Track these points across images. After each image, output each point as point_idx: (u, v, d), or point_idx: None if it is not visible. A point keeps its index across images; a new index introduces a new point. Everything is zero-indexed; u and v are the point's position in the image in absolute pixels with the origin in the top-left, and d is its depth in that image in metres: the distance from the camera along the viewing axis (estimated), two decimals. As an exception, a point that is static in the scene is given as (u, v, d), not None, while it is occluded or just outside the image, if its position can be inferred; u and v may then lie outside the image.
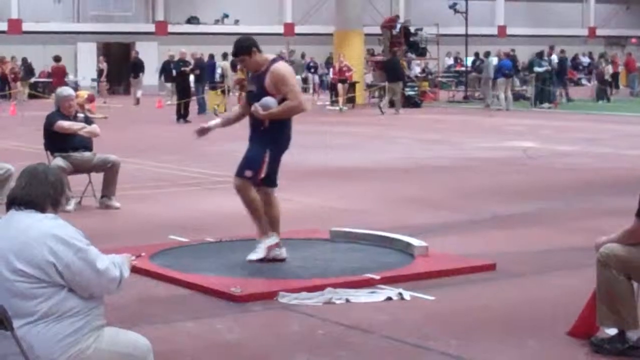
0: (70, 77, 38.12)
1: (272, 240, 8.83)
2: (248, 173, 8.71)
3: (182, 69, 30.37)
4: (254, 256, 8.75)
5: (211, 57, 35.99)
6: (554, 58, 36.51)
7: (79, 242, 4.51)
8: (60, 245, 4.45)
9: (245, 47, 8.73)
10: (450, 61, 50.90)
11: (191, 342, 6.61)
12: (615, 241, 6.13)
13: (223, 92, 33.17)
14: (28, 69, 40.47)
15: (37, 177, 4.63)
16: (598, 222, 10.60)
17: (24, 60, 40.90)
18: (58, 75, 35.11)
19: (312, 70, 44.85)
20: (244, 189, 8.71)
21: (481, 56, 37.90)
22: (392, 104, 32.84)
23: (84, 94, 31.71)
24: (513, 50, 36.20)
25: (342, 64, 34.19)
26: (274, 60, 8.77)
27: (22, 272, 4.42)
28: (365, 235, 9.76)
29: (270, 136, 8.76)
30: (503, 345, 6.48)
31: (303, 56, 36.39)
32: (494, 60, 35.94)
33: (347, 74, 34.04)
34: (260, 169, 8.72)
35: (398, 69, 33.80)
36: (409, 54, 37.31)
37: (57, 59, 35.28)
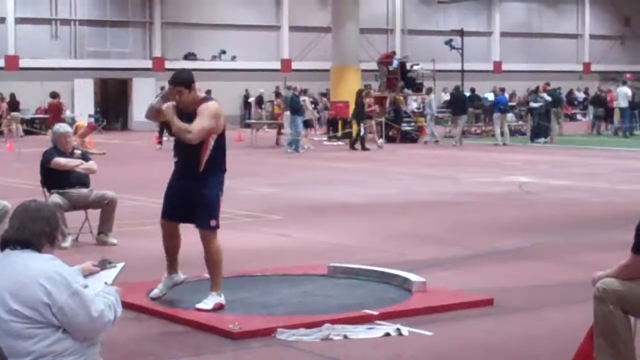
0: (67, 113, 38.13)
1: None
2: (213, 222, 8.60)
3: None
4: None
5: (208, 92, 36.03)
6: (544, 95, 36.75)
7: (74, 284, 4.48)
8: (55, 287, 4.43)
9: (187, 79, 8.45)
10: (447, 97, 51.04)
11: (189, 379, 6.58)
12: (612, 276, 6.13)
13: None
14: (12, 104, 40.38)
15: (30, 215, 4.61)
16: (595, 256, 10.60)
17: (12, 95, 40.86)
18: (54, 111, 35.11)
19: (312, 106, 44.94)
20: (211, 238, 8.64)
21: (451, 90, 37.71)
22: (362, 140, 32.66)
23: (83, 123, 31.86)
24: (458, 86, 36.60)
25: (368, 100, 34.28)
26: (205, 99, 8.59)
27: (18, 313, 4.41)
28: (363, 271, 9.75)
29: (215, 177, 8.63)
30: (502, 381, 6.47)
31: (305, 91, 36.34)
32: (491, 96, 36.09)
33: (371, 109, 34.04)
34: (218, 214, 8.60)
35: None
36: (406, 90, 37.42)
37: (53, 95, 35.30)
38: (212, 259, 8.66)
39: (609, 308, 6.05)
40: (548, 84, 38.39)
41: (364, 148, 31.82)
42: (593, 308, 6.18)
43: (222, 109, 8.60)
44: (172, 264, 8.88)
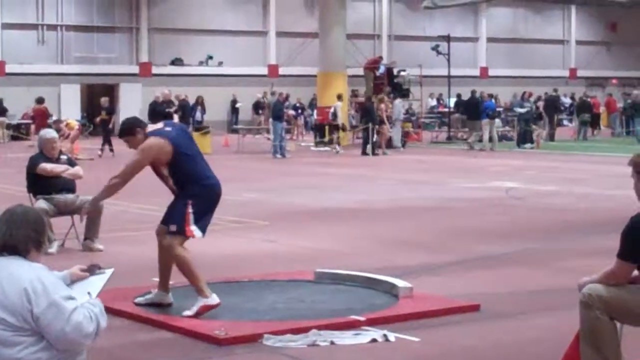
0: (54, 119, 38.02)
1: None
2: (172, 227, 8.64)
3: (167, 110, 30.39)
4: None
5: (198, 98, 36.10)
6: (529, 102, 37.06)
7: (55, 294, 4.45)
8: (36, 296, 4.42)
9: (127, 129, 8.96)
10: (433, 102, 51.16)
11: (175, 386, 6.57)
12: (597, 282, 6.15)
13: (205, 133, 33.25)
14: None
15: (16, 220, 4.60)
16: (582, 262, 10.63)
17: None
18: (40, 117, 34.93)
19: (299, 111, 44.95)
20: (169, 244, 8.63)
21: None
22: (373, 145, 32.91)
23: (74, 123, 31.79)
24: (474, 90, 36.76)
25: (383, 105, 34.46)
26: (149, 134, 8.86)
27: (3, 320, 4.40)
28: (350, 277, 9.75)
29: (188, 190, 8.80)
30: (488, 387, 6.47)
31: (287, 97, 36.50)
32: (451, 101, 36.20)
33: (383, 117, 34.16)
34: (183, 222, 8.60)
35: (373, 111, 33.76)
36: (392, 95, 37.47)
37: (39, 100, 35.16)
38: (176, 264, 8.69)
39: (595, 314, 6.06)
40: (530, 94, 38.67)
41: (374, 153, 31.94)
42: (579, 314, 6.20)
43: (158, 142, 8.81)
44: (162, 280, 8.82)
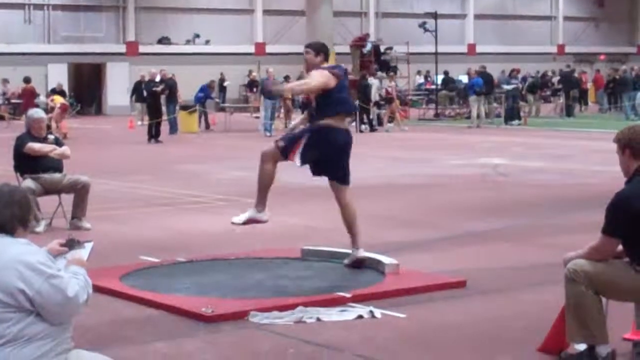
0: (41, 98, 37.90)
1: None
2: (280, 142, 9.38)
3: (154, 89, 30.30)
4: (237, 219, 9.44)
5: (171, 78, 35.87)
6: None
7: (48, 268, 4.48)
8: (31, 272, 4.43)
9: (321, 46, 9.68)
10: (421, 79, 51.11)
11: (162, 363, 6.59)
12: (582, 257, 6.17)
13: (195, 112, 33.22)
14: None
15: (2, 199, 4.60)
16: (568, 238, 10.64)
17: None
18: (28, 96, 34.89)
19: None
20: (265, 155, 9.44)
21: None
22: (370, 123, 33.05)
23: (59, 99, 31.72)
24: (484, 67, 36.52)
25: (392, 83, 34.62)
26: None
27: (-8, 297, 4.41)
28: (336, 254, 9.77)
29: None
30: (474, 362, 6.50)
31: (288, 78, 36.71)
32: (465, 78, 36.24)
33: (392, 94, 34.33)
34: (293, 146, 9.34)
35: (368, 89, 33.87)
36: (380, 73, 37.44)
37: (26, 80, 35.10)
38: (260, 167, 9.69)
39: (580, 289, 6.09)
40: (518, 70, 38.66)
41: (372, 129, 32.26)
42: (564, 289, 6.23)
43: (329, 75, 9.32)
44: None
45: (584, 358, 6.20)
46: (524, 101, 38.01)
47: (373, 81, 34.36)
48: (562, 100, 39.71)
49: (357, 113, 33.81)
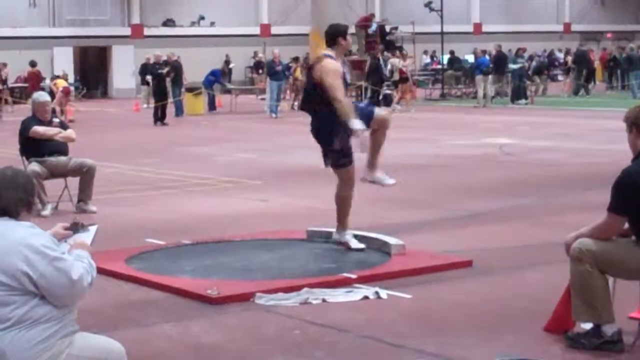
0: (47, 82, 37.88)
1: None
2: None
3: (159, 71, 30.27)
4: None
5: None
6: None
7: (53, 251, 4.48)
8: (35, 255, 4.42)
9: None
10: (427, 59, 50.97)
11: (167, 345, 6.59)
12: (587, 236, 6.15)
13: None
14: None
15: (6, 182, 4.59)
16: (574, 217, 10.61)
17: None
18: (33, 80, 34.88)
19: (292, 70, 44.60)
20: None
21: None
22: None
23: (62, 82, 31.73)
24: (499, 45, 36.55)
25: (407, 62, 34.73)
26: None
27: (-3, 280, 4.41)
28: (342, 235, 9.74)
29: None
30: (480, 341, 6.49)
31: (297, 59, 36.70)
32: (471, 58, 36.17)
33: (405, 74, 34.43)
34: None
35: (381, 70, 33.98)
36: (385, 53, 37.33)
37: (32, 64, 35.08)
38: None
39: (585, 268, 6.08)
40: (524, 49, 38.51)
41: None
42: (570, 268, 6.22)
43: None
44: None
45: (590, 337, 6.19)
46: (530, 80, 37.88)
47: (394, 60, 34.46)
48: (568, 79, 39.60)
49: (367, 93, 33.96)
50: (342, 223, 9.38)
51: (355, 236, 9.47)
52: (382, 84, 33.14)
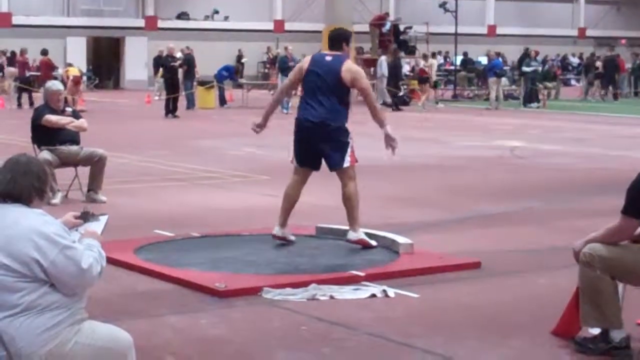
0: (60, 71, 37.92)
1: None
2: None
3: (171, 64, 30.29)
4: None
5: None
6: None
7: (63, 239, 4.48)
8: (46, 242, 4.43)
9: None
10: (440, 60, 50.92)
11: (174, 337, 6.59)
12: (598, 240, 6.12)
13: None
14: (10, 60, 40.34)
15: (20, 169, 4.60)
16: (583, 222, 10.60)
17: (12, 53, 40.78)
18: (45, 68, 34.80)
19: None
20: None
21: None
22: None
23: (73, 70, 31.76)
24: (527, 48, 36.70)
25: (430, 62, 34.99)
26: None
27: (6, 267, 4.41)
28: (351, 232, 9.73)
29: None
30: (487, 344, 6.48)
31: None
32: (484, 60, 36.17)
33: (427, 74, 34.74)
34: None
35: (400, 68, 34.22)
36: (400, 53, 37.38)
37: (44, 52, 34.99)
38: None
39: (595, 273, 6.06)
40: (537, 52, 38.46)
41: (398, 108, 32.37)
42: (579, 273, 6.19)
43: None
44: None
45: (597, 342, 6.17)
46: (547, 83, 37.86)
47: (430, 61, 35.03)
48: (584, 84, 39.54)
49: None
50: (357, 221, 9.33)
51: (366, 234, 9.48)
52: (400, 84, 33.29)
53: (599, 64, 39.99)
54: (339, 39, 9.51)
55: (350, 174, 9.41)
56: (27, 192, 4.57)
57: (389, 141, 9.41)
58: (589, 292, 6.13)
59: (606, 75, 39.37)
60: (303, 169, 9.46)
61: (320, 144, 9.26)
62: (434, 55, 40.32)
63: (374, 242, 9.25)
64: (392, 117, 29.62)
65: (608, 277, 6.07)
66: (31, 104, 30.37)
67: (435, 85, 37.97)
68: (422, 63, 35.01)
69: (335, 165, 9.33)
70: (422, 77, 34.48)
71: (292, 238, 9.40)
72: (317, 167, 9.50)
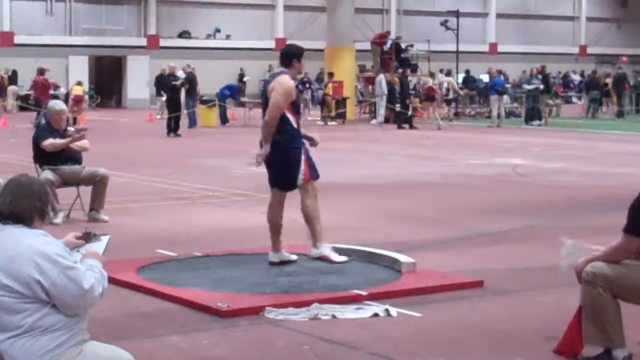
0: (62, 90, 37.96)
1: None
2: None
3: (173, 83, 30.31)
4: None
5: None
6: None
7: (65, 260, 4.48)
8: (47, 263, 4.43)
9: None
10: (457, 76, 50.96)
11: (176, 357, 6.58)
12: (600, 259, 6.12)
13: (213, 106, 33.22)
14: (11, 79, 40.46)
15: (21, 190, 4.60)
16: (586, 239, 10.57)
17: (13, 72, 40.88)
18: (40, 87, 33.98)
19: (306, 85, 44.52)
20: None
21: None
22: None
23: (78, 89, 31.73)
24: (544, 66, 36.80)
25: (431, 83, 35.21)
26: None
27: (8, 288, 4.41)
28: (352, 251, 9.74)
29: None
30: (489, 363, 6.47)
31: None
32: (486, 77, 36.25)
33: (435, 92, 34.87)
34: None
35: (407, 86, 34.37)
36: (400, 70, 37.40)
37: (40, 71, 34.48)
38: None
39: (598, 292, 6.05)
40: (538, 70, 38.50)
41: (411, 127, 32.60)
42: (581, 292, 6.18)
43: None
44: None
45: (600, 361, 6.16)
46: (549, 101, 37.91)
47: (441, 79, 35.22)
48: (585, 101, 39.58)
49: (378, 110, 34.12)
50: (318, 237, 9.38)
51: (364, 252, 9.47)
52: (407, 103, 33.40)
53: (609, 80, 40.17)
54: (288, 55, 9.42)
55: (307, 188, 9.41)
56: (28, 212, 4.58)
57: (258, 156, 9.29)
58: (591, 310, 6.12)
59: (616, 93, 39.59)
60: (282, 191, 9.44)
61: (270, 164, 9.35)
62: (449, 72, 40.41)
63: (337, 258, 9.28)
64: (396, 135, 29.68)
65: (610, 296, 6.06)
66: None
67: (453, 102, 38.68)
68: (430, 81, 35.09)
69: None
70: (429, 95, 34.53)
71: (293, 257, 9.38)
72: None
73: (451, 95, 38.11)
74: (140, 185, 16.37)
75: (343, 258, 9.32)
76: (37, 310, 4.42)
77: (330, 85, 35.79)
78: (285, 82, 9.23)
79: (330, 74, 35.77)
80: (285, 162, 9.28)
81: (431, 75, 35.82)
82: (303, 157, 9.33)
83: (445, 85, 37.40)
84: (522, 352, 6.65)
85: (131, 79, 47.17)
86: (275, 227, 9.41)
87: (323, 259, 9.29)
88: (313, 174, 9.48)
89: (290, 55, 9.40)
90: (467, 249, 10.66)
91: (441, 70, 40.80)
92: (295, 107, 9.37)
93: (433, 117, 34.14)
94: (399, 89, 34.03)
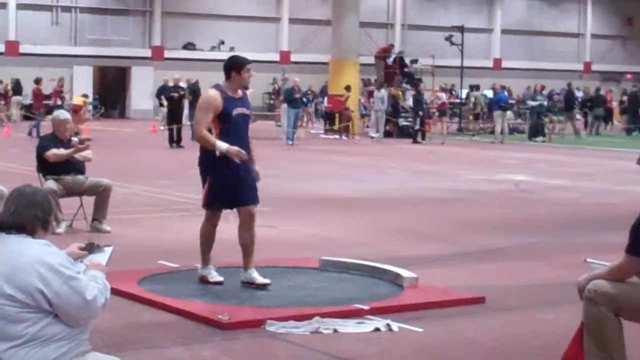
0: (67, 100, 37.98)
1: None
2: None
3: (171, 94, 30.20)
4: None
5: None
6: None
7: (68, 270, 4.49)
8: (50, 273, 4.44)
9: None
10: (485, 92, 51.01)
11: (177, 369, 6.58)
12: (603, 277, 6.11)
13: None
14: (15, 89, 40.48)
15: (24, 199, 4.62)
16: (588, 257, 10.56)
17: (17, 81, 40.87)
18: (36, 97, 33.85)
19: (310, 98, 44.61)
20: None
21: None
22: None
23: (77, 99, 31.75)
24: (570, 83, 37.05)
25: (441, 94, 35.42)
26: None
27: (11, 297, 4.41)
28: (354, 265, 9.73)
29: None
30: (490, 379, 6.46)
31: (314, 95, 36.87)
32: (490, 93, 36.31)
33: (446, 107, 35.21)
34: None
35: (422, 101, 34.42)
36: (404, 85, 37.46)
37: (36, 81, 34.38)
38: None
39: (600, 310, 6.03)
40: (543, 86, 38.53)
41: (415, 141, 32.66)
42: (583, 309, 6.17)
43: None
44: None
45: (601, 379, 6.13)
46: (558, 117, 38.06)
47: (441, 94, 35.55)
48: (590, 119, 39.63)
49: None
50: (247, 262, 9.03)
51: (366, 266, 9.44)
52: (422, 114, 33.49)
53: (624, 98, 40.64)
54: (227, 66, 9.02)
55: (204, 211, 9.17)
56: (32, 222, 4.59)
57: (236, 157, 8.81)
58: (592, 329, 6.10)
59: (630, 110, 39.81)
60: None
61: None
62: (477, 87, 40.75)
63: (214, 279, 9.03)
64: (400, 150, 29.69)
65: (612, 314, 6.04)
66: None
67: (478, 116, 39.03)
68: (444, 97, 35.29)
69: None
70: (442, 111, 34.68)
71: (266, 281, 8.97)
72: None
73: (479, 110, 38.37)
74: (143, 196, 16.37)
75: (219, 278, 8.99)
76: (39, 320, 4.43)
77: (350, 98, 35.57)
78: (204, 95, 9.06)
79: (348, 87, 35.52)
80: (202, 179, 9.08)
81: (443, 91, 35.97)
82: (210, 179, 8.97)
83: (472, 99, 37.47)
84: (523, 369, 6.64)
85: (135, 89, 47.25)
86: (210, 243, 9.22)
87: (202, 279, 9.08)
88: (212, 202, 9.12)
89: (229, 67, 9.02)
90: (469, 265, 10.66)
91: (476, 87, 41.40)
92: (224, 120, 8.91)
93: (437, 132, 34.17)
94: (413, 104, 34.11)
